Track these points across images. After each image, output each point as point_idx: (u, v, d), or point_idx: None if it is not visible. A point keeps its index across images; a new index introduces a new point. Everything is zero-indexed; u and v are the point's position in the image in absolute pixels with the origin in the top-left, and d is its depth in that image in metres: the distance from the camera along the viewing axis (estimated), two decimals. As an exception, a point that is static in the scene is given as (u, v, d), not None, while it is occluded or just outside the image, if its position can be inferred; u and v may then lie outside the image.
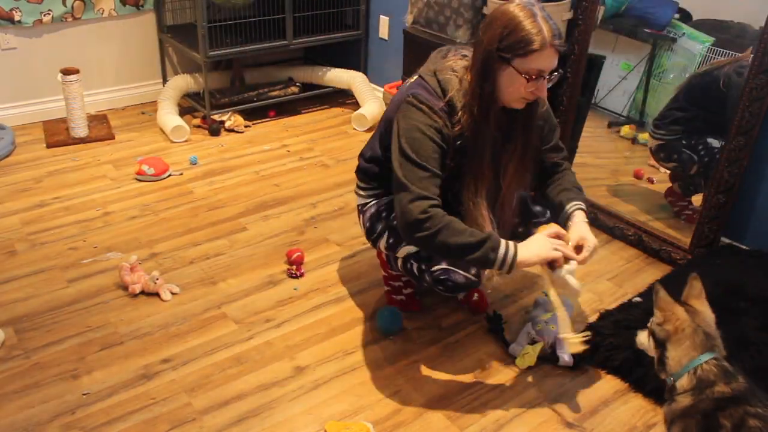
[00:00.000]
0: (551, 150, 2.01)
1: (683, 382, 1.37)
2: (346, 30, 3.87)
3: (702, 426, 1.33)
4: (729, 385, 1.32)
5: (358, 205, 2.15)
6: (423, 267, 1.93)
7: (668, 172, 2.69)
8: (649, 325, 1.48)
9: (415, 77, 1.87)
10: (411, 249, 1.95)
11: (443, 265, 1.87)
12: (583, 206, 1.96)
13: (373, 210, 2.06)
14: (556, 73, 1.74)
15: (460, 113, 1.78)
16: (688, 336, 1.37)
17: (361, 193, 2.11)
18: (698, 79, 2.51)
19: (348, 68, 3.91)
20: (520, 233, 2.01)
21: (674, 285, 2.27)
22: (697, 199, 2.56)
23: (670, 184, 2.69)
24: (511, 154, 1.88)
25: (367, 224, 2.07)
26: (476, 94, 1.75)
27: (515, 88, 1.73)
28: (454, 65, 1.82)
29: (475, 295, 2.29)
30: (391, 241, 2.00)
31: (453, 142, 1.80)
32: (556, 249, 1.78)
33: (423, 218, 1.70)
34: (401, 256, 1.99)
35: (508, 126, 1.85)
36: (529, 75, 1.69)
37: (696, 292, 1.45)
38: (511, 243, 1.75)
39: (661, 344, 1.40)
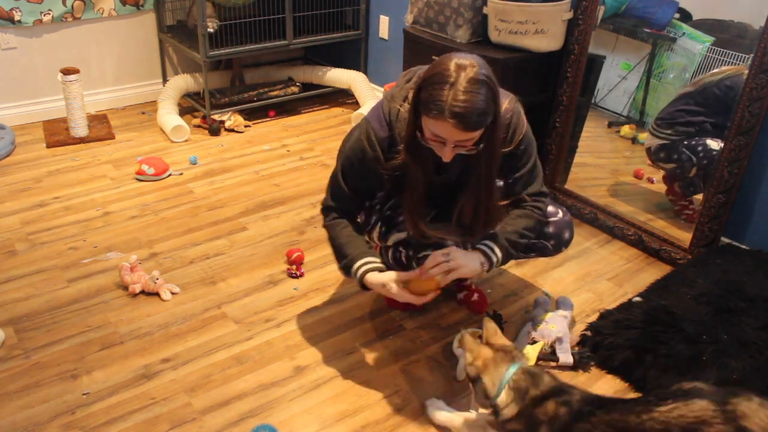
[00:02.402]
0: (517, 183, 1.91)
1: (503, 398, 1.54)
2: (346, 30, 3.88)
3: (525, 425, 1.51)
4: (538, 387, 1.52)
5: None
6: (410, 253, 1.96)
7: (665, 172, 2.69)
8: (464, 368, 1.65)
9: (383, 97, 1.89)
10: (401, 235, 1.97)
11: (429, 252, 1.88)
12: (489, 249, 1.85)
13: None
14: (474, 147, 1.65)
15: (401, 146, 1.77)
16: (493, 360, 1.56)
17: None
18: (715, 84, 2.49)
19: (348, 68, 3.92)
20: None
21: (674, 285, 2.28)
22: (697, 198, 2.56)
23: (670, 184, 2.69)
24: (466, 199, 1.82)
25: (362, 217, 2.09)
26: (407, 131, 1.73)
27: (423, 140, 1.69)
28: (409, 94, 1.75)
29: (475, 294, 2.29)
30: (383, 230, 2.01)
31: (391, 172, 1.81)
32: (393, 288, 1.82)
33: (323, 221, 1.99)
34: (391, 244, 2.01)
35: (463, 170, 1.81)
36: (429, 136, 1.64)
37: (492, 332, 1.63)
38: (362, 270, 1.85)
39: (476, 380, 1.58)
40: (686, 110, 2.56)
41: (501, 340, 1.63)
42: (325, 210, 2.00)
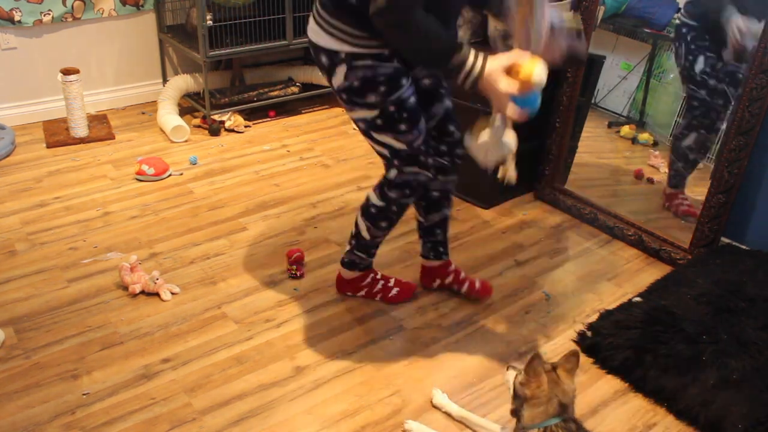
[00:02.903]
0: None
1: None
2: (346, 30, 3.87)
3: None
4: None
5: (327, 50, 1.77)
6: (388, 179, 1.94)
7: (668, 172, 2.69)
8: (515, 377, 1.60)
9: None
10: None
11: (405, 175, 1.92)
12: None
13: (369, 73, 1.75)
14: None
15: None
16: (542, 403, 1.51)
17: (344, 36, 1.72)
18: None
19: (348, 68, 3.91)
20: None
21: (674, 285, 2.29)
22: (697, 200, 2.56)
23: (668, 189, 2.69)
24: None
25: (356, 84, 1.77)
26: None
27: None
28: None
29: (477, 282, 2.30)
30: (378, 122, 1.83)
31: None
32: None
33: (400, 18, 1.57)
34: (377, 148, 1.90)
35: None
36: None
37: (569, 366, 1.57)
38: (479, 60, 1.62)
39: (518, 398, 1.55)
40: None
41: (568, 380, 1.55)
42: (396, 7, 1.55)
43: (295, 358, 2.05)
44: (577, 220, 2.86)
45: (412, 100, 1.84)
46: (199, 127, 3.63)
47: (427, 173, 1.97)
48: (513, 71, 1.63)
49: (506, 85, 1.62)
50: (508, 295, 2.37)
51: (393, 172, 1.97)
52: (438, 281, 2.33)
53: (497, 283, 2.43)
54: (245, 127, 3.64)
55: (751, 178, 2.43)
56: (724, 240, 2.53)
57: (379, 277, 2.29)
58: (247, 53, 3.55)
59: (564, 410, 1.52)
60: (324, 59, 1.81)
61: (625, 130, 2.81)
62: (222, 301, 2.28)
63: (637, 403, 1.94)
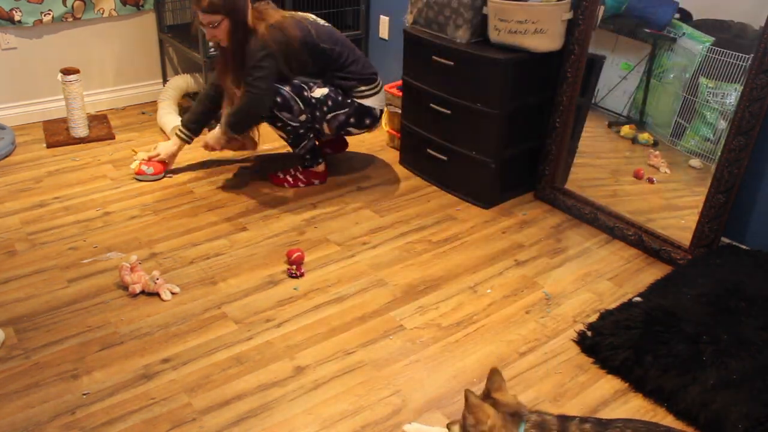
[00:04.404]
0: None
1: None
2: (346, 30, 3.87)
3: None
4: None
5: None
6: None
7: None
8: (459, 428, 1.58)
9: None
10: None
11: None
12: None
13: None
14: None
15: None
16: (501, 426, 1.50)
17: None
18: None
19: (348, 68, 3.91)
20: None
21: (674, 285, 2.29)
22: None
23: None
24: None
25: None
26: None
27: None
28: None
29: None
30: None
31: None
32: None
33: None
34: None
35: None
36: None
37: (496, 385, 1.58)
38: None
39: None
40: None
41: (505, 396, 1.57)
42: None
43: (295, 358, 2.05)
44: (577, 220, 2.86)
45: None
46: (199, 127, 3.62)
47: None
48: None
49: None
50: (508, 295, 2.37)
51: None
52: None
53: (497, 283, 2.43)
54: (245, 127, 3.63)
55: (751, 178, 2.43)
56: (724, 240, 2.53)
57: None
58: (247, 53, 3.54)
59: (519, 416, 1.52)
60: None
61: (625, 130, 2.81)
62: (222, 301, 2.28)
63: (637, 403, 1.94)
